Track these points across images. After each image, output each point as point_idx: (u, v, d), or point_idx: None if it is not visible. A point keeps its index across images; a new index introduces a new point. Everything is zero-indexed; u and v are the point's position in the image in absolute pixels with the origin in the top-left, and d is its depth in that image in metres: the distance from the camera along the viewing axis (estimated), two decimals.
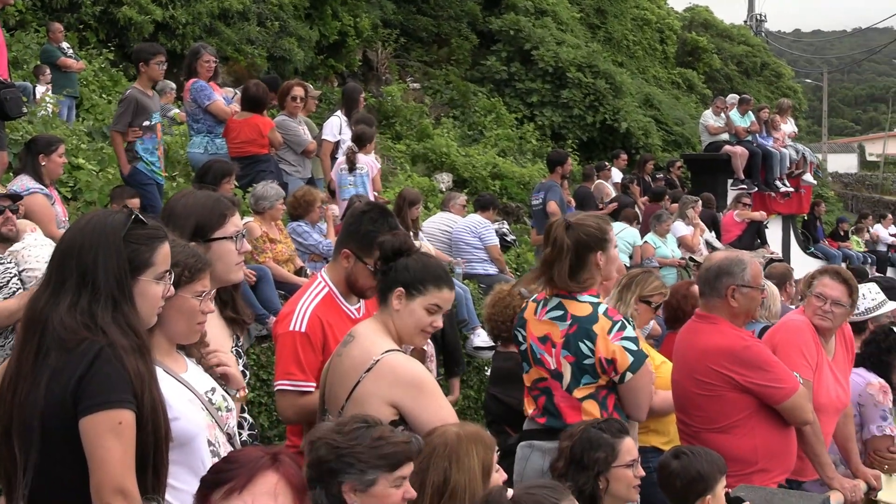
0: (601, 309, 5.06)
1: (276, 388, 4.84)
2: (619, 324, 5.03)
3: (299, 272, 9.53)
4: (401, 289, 4.26)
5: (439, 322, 4.34)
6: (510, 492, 3.37)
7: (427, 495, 3.72)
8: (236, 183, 9.65)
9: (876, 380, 6.41)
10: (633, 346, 5.01)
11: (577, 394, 5.05)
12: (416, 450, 3.50)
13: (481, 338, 10.25)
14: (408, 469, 3.44)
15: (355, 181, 11.41)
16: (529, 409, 5.29)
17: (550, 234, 5.12)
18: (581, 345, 5.00)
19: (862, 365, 6.53)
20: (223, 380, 3.91)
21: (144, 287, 3.35)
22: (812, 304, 5.98)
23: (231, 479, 2.78)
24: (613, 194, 16.97)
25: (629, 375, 5.00)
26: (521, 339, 5.31)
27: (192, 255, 3.67)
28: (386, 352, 4.19)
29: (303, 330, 4.75)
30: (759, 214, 18.34)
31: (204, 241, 4.12)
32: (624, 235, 13.73)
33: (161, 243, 3.39)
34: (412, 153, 19.76)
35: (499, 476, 3.94)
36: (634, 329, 5.21)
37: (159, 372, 3.48)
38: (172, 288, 3.45)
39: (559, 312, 5.10)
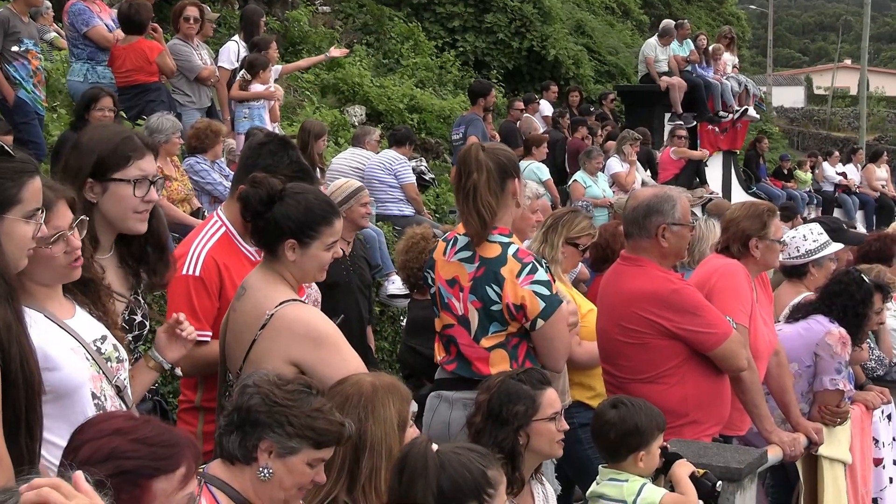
0: (511, 250, 5.02)
1: None
2: (529, 266, 4.98)
3: (196, 213, 9.45)
4: (291, 240, 4.24)
5: (339, 251, 4.36)
6: (435, 446, 3.40)
7: (341, 449, 3.73)
8: (124, 115, 9.53)
9: (836, 329, 6.43)
10: (544, 291, 4.98)
11: (485, 343, 5.05)
12: (346, 435, 3.53)
13: (396, 285, 10.24)
14: (328, 453, 3.48)
15: (250, 113, 11.37)
16: (439, 356, 5.31)
17: (469, 159, 5.04)
18: (488, 289, 4.99)
19: (819, 312, 6.57)
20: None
21: (11, 226, 3.24)
22: (775, 248, 6.11)
23: None
24: (542, 129, 17.05)
25: (540, 322, 4.99)
26: (430, 281, 5.31)
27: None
28: (281, 304, 4.18)
29: (197, 274, 4.73)
30: (698, 153, 18.54)
31: (101, 180, 4.08)
32: (527, 174, 13.71)
33: (30, 178, 3.27)
34: (321, 84, 19.56)
35: (412, 432, 3.98)
36: (549, 272, 5.19)
37: (39, 318, 3.44)
38: (45, 227, 3.35)
39: (468, 253, 5.08)
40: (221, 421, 3.44)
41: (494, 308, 5.00)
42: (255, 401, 3.36)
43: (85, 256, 3.71)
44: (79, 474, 2.21)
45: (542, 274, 5.02)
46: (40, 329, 3.42)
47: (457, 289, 5.11)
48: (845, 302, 6.56)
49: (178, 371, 4.27)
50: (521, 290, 4.95)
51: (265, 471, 3.36)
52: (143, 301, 4.40)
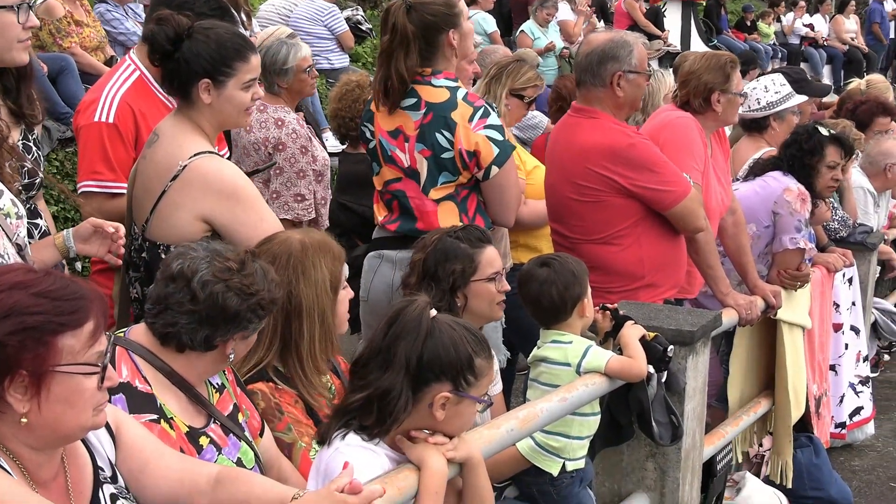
0: (460, 94, 4.98)
1: (79, 191, 4.78)
2: (481, 110, 4.96)
3: (109, 62, 9.30)
4: (205, 80, 4.16)
5: (259, 92, 4.32)
6: (433, 312, 3.36)
7: (271, 316, 3.72)
8: None
9: (795, 185, 6.42)
10: (498, 136, 4.97)
11: (434, 194, 5.03)
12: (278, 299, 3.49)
13: (331, 142, 10.18)
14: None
15: None
16: (380, 216, 5.28)
17: (388, 20, 4.99)
18: (438, 136, 4.95)
19: (777, 168, 6.56)
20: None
21: None
22: (736, 102, 6.08)
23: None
24: None
25: (494, 170, 4.98)
26: (368, 135, 5.24)
27: None
28: (195, 155, 4.13)
29: (110, 121, 4.69)
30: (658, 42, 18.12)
31: None
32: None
33: None
34: None
35: (346, 294, 3.97)
36: (500, 116, 5.15)
37: None
38: None
39: (412, 100, 5.01)
40: (183, 319, 3.23)
41: (445, 156, 4.97)
42: (233, 301, 3.24)
43: None
44: None
45: (494, 118, 5.00)
46: None
47: (401, 139, 5.06)
48: (793, 152, 6.57)
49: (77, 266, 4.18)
50: (474, 135, 4.92)
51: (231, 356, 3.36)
52: (34, 148, 4.33)
